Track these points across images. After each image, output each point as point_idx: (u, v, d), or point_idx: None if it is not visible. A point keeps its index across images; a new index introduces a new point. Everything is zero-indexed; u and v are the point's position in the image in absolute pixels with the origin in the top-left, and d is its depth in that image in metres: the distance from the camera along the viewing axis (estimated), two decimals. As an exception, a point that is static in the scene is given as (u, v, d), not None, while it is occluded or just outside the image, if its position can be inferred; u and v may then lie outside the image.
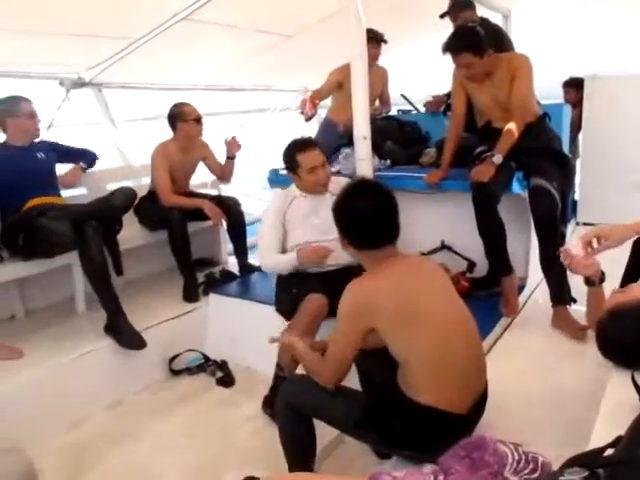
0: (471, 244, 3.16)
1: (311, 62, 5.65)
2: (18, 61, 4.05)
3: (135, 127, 5.77)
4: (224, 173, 4.02)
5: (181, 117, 3.73)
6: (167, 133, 3.88)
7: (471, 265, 3.35)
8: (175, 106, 3.78)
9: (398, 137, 3.99)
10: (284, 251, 2.87)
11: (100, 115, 4.80)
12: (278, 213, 2.87)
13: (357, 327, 1.78)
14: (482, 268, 3.25)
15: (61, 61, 4.25)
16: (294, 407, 1.98)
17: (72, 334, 3.14)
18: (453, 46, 2.90)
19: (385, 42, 4.27)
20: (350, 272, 2.26)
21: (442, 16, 4.01)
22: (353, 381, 2.03)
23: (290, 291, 2.81)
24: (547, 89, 3.99)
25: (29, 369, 2.76)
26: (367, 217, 1.82)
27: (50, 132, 4.08)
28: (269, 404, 2.71)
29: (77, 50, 4.00)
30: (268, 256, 2.85)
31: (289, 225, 2.88)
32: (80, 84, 4.53)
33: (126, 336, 2.98)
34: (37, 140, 3.40)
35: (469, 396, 1.82)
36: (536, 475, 1.34)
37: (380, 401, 1.88)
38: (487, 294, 3.12)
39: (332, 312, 2.65)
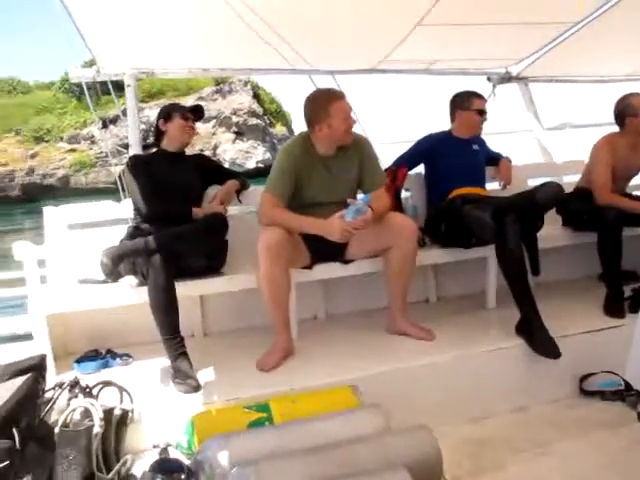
0: None
1: None
2: (451, 58, 4.25)
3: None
4: None
5: (629, 111, 3.39)
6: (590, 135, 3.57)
7: None
8: (621, 99, 3.46)
9: None
10: None
11: (524, 111, 4.70)
12: None
13: None
14: None
15: (490, 55, 4.28)
16: None
17: (481, 328, 3.11)
18: None
19: None
20: None
21: None
22: None
23: None
24: None
25: (439, 353, 2.81)
26: None
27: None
28: None
29: (506, 42, 3.93)
30: None
31: None
32: (507, 79, 4.51)
33: (540, 341, 2.78)
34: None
35: None
36: None
37: None
38: None
39: None
